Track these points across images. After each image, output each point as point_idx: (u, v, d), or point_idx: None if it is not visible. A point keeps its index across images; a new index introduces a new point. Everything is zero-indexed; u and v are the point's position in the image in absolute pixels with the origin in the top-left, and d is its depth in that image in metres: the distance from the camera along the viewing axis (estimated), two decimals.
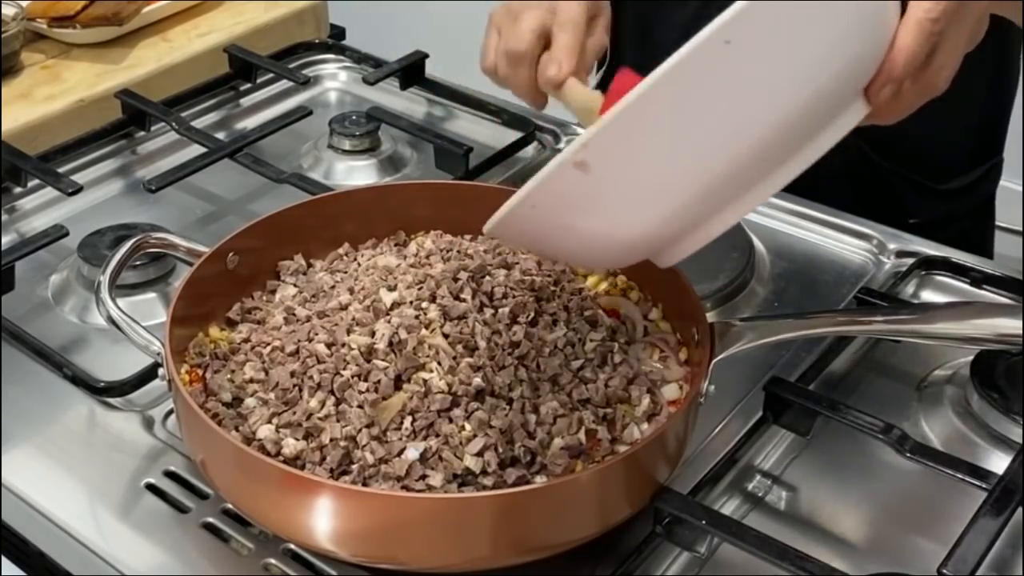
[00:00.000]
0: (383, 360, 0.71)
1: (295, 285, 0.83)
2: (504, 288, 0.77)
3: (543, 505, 0.65)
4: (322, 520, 0.66)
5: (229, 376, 0.74)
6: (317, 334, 0.74)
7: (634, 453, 0.67)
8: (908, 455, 0.75)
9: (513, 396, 0.71)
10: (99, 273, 0.78)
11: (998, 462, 0.76)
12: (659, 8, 1.12)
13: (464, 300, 0.74)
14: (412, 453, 0.67)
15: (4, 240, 1.00)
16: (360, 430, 0.68)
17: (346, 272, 0.82)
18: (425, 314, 0.73)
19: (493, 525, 0.66)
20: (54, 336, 0.88)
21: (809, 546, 0.70)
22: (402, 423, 0.68)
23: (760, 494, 0.77)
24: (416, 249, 0.82)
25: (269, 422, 0.70)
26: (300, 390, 0.71)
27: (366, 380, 0.70)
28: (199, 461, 0.72)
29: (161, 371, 0.74)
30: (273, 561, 0.71)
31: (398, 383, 0.70)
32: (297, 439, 0.69)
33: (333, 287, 0.80)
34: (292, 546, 0.72)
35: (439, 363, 0.71)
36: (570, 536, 0.68)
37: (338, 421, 0.69)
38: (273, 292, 0.83)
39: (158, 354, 0.74)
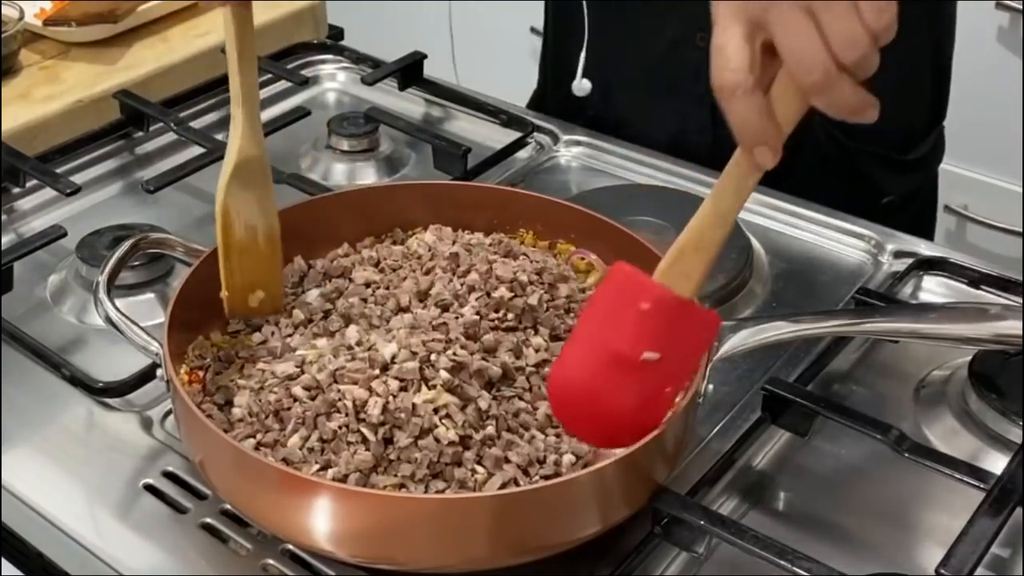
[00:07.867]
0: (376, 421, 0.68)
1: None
2: (505, 310, 0.76)
3: (541, 506, 0.65)
4: (320, 520, 0.66)
5: (229, 381, 0.74)
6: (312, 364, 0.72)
7: (632, 454, 0.67)
8: (906, 455, 0.75)
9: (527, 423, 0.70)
10: (97, 273, 0.78)
11: (996, 462, 0.76)
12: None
13: (466, 349, 0.72)
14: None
15: (3, 240, 0.99)
16: (349, 474, 0.67)
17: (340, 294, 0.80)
18: (431, 370, 0.70)
19: (491, 526, 0.66)
20: (53, 336, 0.88)
21: (808, 546, 0.70)
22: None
23: (759, 494, 0.77)
24: (417, 248, 0.82)
25: (253, 437, 0.70)
26: (283, 422, 0.70)
27: (356, 433, 0.68)
28: (198, 462, 0.72)
29: (160, 372, 0.74)
30: (271, 561, 0.71)
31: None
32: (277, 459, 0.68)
33: (325, 316, 0.78)
34: (291, 546, 0.72)
35: (450, 416, 0.68)
36: (568, 536, 0.68)
37: (324, 456, 0.68)
38: None
39: (156, 355, 0.74)
